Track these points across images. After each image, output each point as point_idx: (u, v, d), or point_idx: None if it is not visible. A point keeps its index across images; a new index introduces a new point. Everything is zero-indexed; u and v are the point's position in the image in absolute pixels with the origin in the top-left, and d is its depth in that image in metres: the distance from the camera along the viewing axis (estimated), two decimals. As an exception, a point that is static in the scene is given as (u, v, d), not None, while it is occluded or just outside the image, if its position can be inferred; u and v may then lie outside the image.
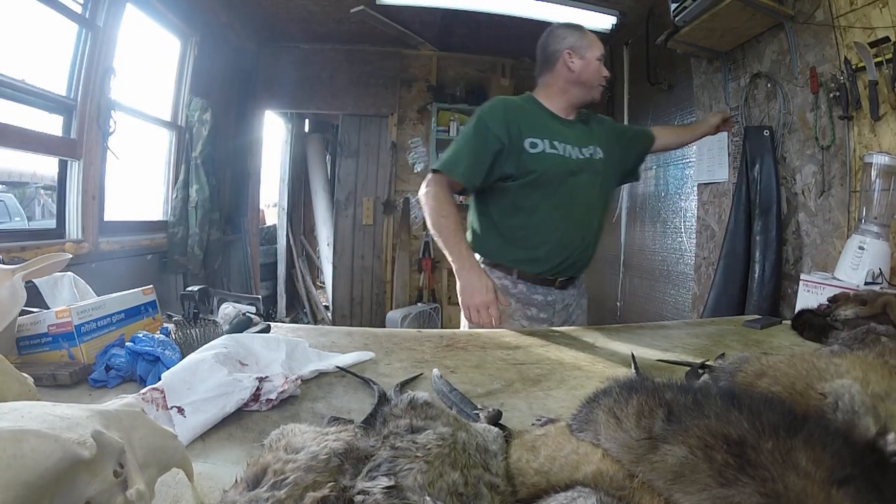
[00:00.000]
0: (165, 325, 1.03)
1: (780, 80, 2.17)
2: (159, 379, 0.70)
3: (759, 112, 2.33)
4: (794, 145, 2.12)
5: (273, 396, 0.72)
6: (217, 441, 0.64)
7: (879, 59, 1.62)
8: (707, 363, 0.90)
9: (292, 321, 4.94)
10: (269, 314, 4.68)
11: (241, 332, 0.96)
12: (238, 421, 0.68)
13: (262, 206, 5.29)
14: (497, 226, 1.49)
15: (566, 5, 3.12)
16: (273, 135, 5.40)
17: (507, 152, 1.41)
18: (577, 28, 1.54)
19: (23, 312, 0.83)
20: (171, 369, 0.71)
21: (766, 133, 2.19)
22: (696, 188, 2.86)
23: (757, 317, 1.51)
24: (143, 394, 0.67)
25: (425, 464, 0.39)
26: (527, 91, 1.58)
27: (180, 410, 0.65)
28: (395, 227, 4.54)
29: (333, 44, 4.34)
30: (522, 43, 4.05)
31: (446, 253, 1.38)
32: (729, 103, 2.51)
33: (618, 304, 3.71)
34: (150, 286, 1.04)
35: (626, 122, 3.45)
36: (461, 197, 1.78)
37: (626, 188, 3.58)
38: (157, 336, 0.85)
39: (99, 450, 0.33)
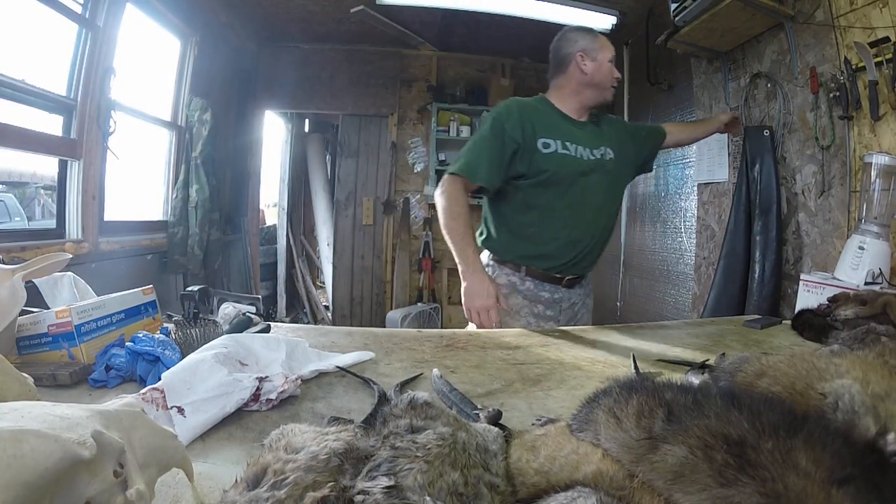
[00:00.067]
0: (165, 325, 1.02)
1: (780, 80, 2.17)
2: (159, 379, 0.70)
3: (759, 112, 2.33)
4: (794, 145, 2.12)
5: (273, 396, 0.72)
6: (217, 441, 0.64)
7: (879, 59, 1.62)
8: (707, 363, 0.90)
9: (292, 321, 4.95)
10: (269, 314, 4.69)
11: (241, 332, 0.96)
12: (238, 421, 0.68)
13: (262, 206, 5.29)
14: (508, 223, 1.52)
15: (566, 5, 3.11)
16: (273, 135, 5.41)
17: (522, 152, 1.44)
18: (589, 31, 1.57)
19: (23, 312, 0.82)
20: (171, 369, 0.71)
21: (766, 133, 2.19)
22: (696, 188, 2.86)
23: (757, 317, 1.51)
24: (143, 394, 0.67)
25: (425, 464, 0.39)
26: (539, 93, 1.61)
27: (180, 410, 0.65)
28: (395, 227, 4.54)
29: (333, 44, 4.34)
30: (522, 43, 4.06)
31: (454, 254, 1.43)
32: (729, 103, 2.51)
33: (618, 304, 3.72)
34: (150, 286, 1.04)
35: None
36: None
37: (626, 188, 3.58)
38: (157, 336, 0.85)
39: (99, 450, 0.33)
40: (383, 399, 0.72)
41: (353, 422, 0.58)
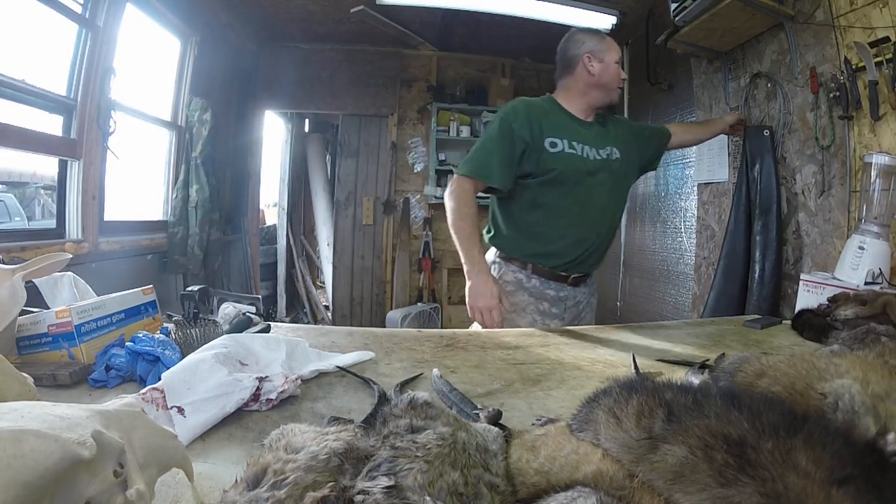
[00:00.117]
0: (165, 325, 1.03)
1: (780, 80, 2.17)
2: (159, 379, 0.70)
3: (759, 112, 2.33)
4: (794, 145, 2.12)
5: (273, 396, 0.72)
6: (217, 441, 0.64)
7: (879, 59, 1.62)
8: (707, 363, 0.90)
9: (292, 321, 4.94)
10: (269, 314, 4.68)
11: (241, 332, 0.96)
12: (238, 421, 0.68)
13: (262, 206, 5.29)
14: (515, 221, 1.55)
15: (566, 5, 3.11)
16: (273, 135, 5.41)
17: (530, 151, 1.46)
18: (596, 32, 1.60)
19: (23, 312, 0.83)
20: (171, 369, 0.71)
21: (766, 133, 2.19)
22: (696, 188, 2.86)
23: (757, 317, 1.51)
24: (143, 394, 0.67)
25: (425, 464, 0.39)
26: (543, 93, 1.63)
27: (180, 410, 0.65)
28: (395, 227, 4.54)
29: (333, 44, 4.34)
30: (523, 43, 4.06)
31: (460, 254, 1.46)
32: (729, 103, 2.51)
33: (618, 304, 3.72)
34: (150, 286, 1.04)
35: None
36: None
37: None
38: (157, 336, 0.85)
39: (99, 450, 0.33)
40: (383, 399, 0.72)
41: (353, 422, 0.58)
